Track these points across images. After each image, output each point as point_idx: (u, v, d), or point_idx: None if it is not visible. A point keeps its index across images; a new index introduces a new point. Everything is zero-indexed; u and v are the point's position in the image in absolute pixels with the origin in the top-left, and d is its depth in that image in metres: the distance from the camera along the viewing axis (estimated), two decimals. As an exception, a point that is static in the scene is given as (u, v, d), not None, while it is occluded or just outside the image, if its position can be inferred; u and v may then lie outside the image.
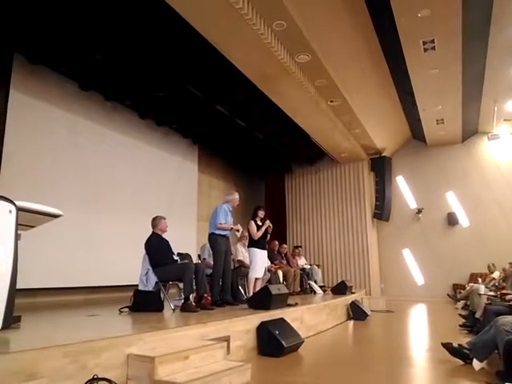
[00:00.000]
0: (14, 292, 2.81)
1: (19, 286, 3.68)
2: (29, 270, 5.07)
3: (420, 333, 6.18)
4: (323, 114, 8.79)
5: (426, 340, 5.53)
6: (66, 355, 2.33)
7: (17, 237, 2.90)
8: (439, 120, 9.98)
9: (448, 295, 10.49)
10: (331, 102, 8.49)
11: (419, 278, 11.68)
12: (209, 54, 6.33)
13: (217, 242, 5.33)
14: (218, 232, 5.37)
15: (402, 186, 12.34)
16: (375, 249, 12.15)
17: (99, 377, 2.41)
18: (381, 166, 12.04)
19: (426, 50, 6.64)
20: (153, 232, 5.04)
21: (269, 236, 6.25)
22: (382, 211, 11.91)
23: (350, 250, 11.81)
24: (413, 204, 12.11)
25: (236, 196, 5.72)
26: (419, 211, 11.86)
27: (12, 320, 2.93)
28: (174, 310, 4.64)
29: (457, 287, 10.50)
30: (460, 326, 5.74)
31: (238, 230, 5.71)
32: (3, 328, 2.72)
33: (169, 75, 6.94)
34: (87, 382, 2.35)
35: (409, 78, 7.78)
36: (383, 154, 11.97)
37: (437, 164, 11.83)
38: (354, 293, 8.33)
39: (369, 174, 12.22)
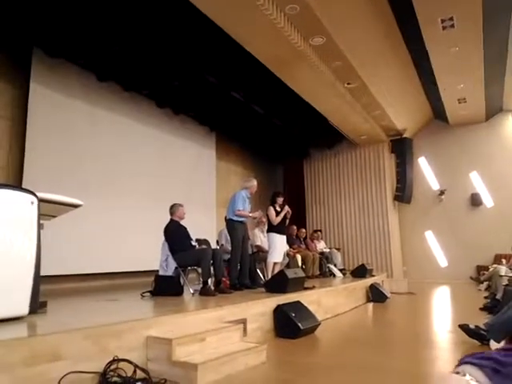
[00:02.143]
0: (38, 279, 2.96)
1: (45, 272, 3.85)
2: (54, 258, 5.29)
3: (440, 314, 6.16)
4: (341, 97, 8.68)
5: (445, 322, 5.51)
6: (87, 338, 2.46)
7: (39, 226, 3.04)
8: (461, 99, 9.71)
9: (471, 277, 10.34)
10: (348, 84, 8.37)
11: (442, 260, 11.54)
12: (223, 41, 6.31)
13: (234, 228, 5.42)
14: (235, 218, 5.45)
15: (424, 167, 12.12)
16: (397, 231, 12.05)
17: (120, 358, 2.53)
18: (402, 148, 11.82)
19: (444, 28, 6.44)
20: (171, 219, 5.17)
21: (287, 221, 6.31)
22: (403, 193, 11.75)
23: (371, 233, 11.74)
24: (435, 185, 11.90)
25: (254, 183, 5.76)
26: (442, 193, 11.65)
27: (38, 305, 3.09)
28: (193, 294, 4.78)
29: (481, 269, 10.34)
30: (481, 308, 5.70)
31: (255, 218, 5.80)
32: (30, 313, 2.89)
33: (184, 63, 6.97)
34: (108, 363, 2.47)
35: (428, 58, 7.58)
36: (404, 135, 11.74)
37: (460, 144, 11.55)
38: (374, 276, 8.32)
39: (389, 156, 12.04)
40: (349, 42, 6.84)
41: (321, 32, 6.39)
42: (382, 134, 11.51)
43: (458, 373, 0.54)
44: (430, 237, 11.79)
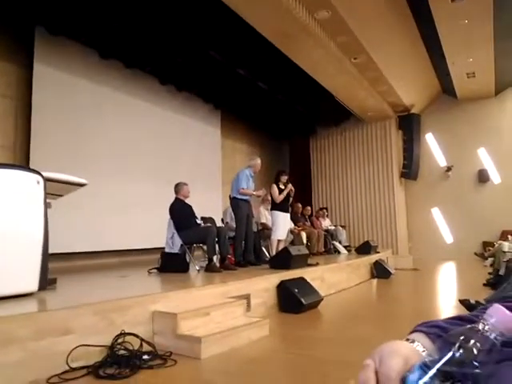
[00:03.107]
0: (47, 256, 3.04)
1: (56, 250, 3.94)
2: (64, 236, 5.40)
3: (443, 290, 6.22)
4: (347, 72, 8.55)
5: (449, 297, 5.57)
6: (95, 313, 2.55)
7: (46, 205, 3.10)
8: (470, 73, 9.51)
9: (475, 253, 10.38)
10: (355, 59, 8.22)
11: (448, 237, 11.56)
12: (227, 16, 6.21)
13: (238, 206, 5.48)
14: (239, 197, 5.51)
15: (431, 143, 11.98)
16: (403, 208, 12.04)
17: (127, 332, 2.63)
18: (409, 124, 11.68)
19: (453, 0, 6.28)
20: (176, 197, 5.23)
21: (291, 199, 6.35)
22: (409, 170, 11.69)
23: (377, 210, 11.75)
24: (442, 162, 11.79)
25: (258, 161, 5.80)
26: (449, 169, 11.57)
27: (48, 282, 3.19)
28: (198, 270, 4.88)
29: (487, 245, 10.34)
30: (484, 283, 5.75)
31: (258, 196, 5.85)
32: (40, 289, 2.98)
33: (188, 39, 6.89)
34: (116, 336, 2.57)
35: (436, 31, 7.40)
36: (412, 111, 11.58)
37: (468, 119, 11.37)
38: (378, 252, 8.38)
39: (396, 133, 11.90)
40: (355, 15, 6.69)
41: (326, 5, 6.25)
42: (389, 110, 11.36)
43: (407, 339, 0.60)
44: (436, 213, 11.78)
